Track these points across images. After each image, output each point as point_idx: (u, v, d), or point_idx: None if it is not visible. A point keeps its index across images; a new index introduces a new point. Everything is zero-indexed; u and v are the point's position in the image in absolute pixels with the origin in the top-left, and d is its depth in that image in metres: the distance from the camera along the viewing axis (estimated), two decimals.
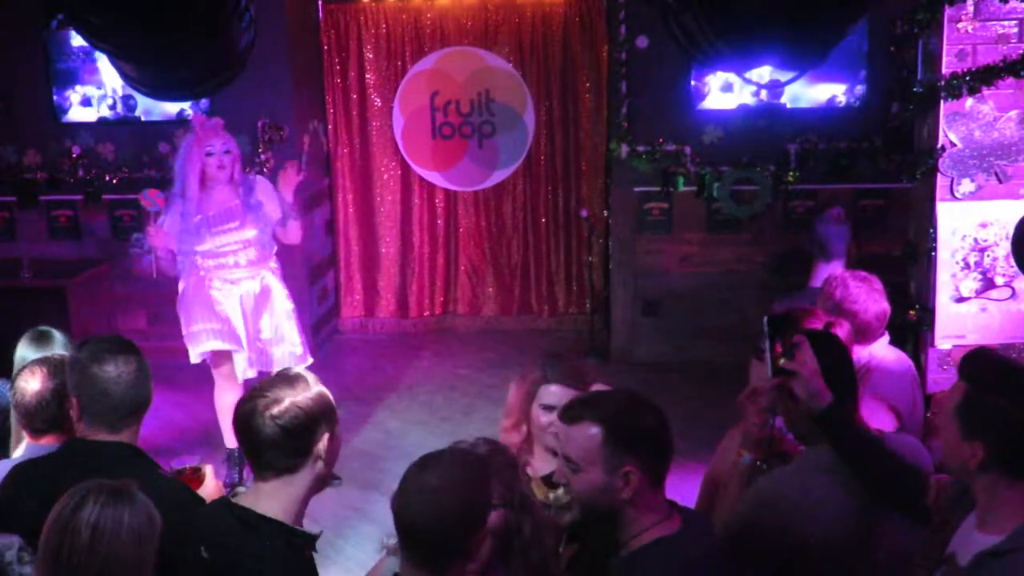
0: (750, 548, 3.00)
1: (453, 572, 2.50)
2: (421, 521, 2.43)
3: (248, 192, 5.89)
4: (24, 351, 4.02)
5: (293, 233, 5.97)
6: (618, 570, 2.67)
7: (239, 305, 5.88)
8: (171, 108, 8.04)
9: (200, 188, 5.78)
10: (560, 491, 3.37)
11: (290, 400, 2.66)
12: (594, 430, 2.61)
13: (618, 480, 2.60)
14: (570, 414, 2.70)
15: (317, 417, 2.69)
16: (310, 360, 5.98)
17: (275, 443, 2.66)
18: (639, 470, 2.60)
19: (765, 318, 2.91)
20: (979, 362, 2.60)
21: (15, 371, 3.65)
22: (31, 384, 3.38)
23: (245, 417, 2.68)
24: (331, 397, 2.78)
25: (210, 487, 3.43)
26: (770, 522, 2.97)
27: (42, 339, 4.06)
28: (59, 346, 3.99)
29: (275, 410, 2.64)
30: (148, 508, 2.52)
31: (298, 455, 2.69)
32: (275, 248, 6.03)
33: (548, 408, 3.45)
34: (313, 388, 2.73)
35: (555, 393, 3.46)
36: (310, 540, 2.75)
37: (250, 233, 5.84)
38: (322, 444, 2.71)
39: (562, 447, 2.69)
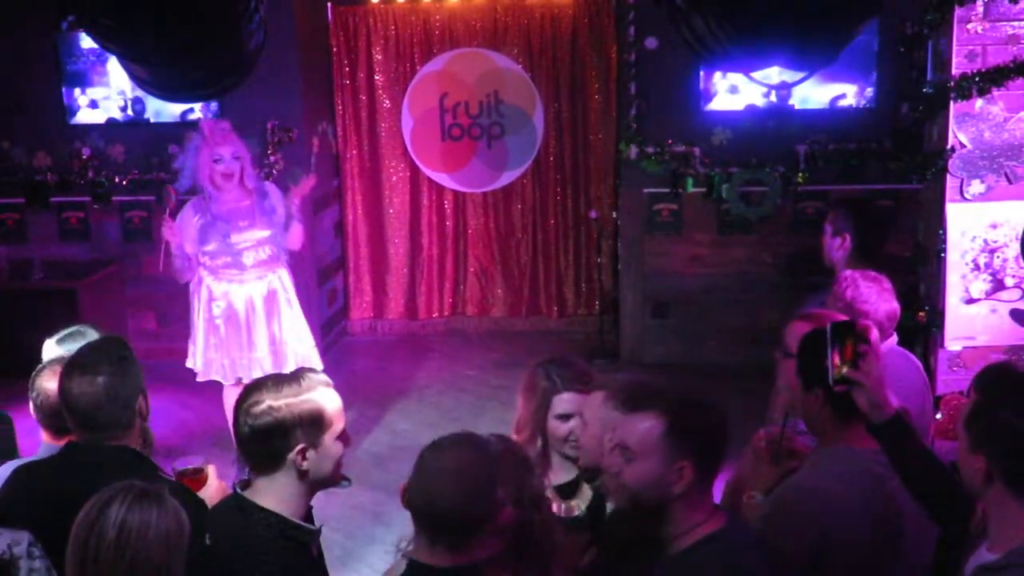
0: (774, 553, 3.00)
1: (475, 552, 2.53)
2: (445, 501, 2.46)
3: (261, 196, 5.89)
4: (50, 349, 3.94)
5: (294, 236, 5.94)
6: (667, 569, 2.66)
7: (242, 309, 5.88)
8: (179, 110, 8.06)
9: (212, 190, 5.79)
10: (575, 501, 3.37)
11: (268, 403, 2.65)
12: (656, 421, 2.61)
13: (672, 474, 2.59)
14: (631, 403, 2.69)
15: (289, 427, 2.66)
16: (320, 367, 5.95)
17: (244, 440, 2.68)
18: (693, 466, 2.60)
19: (830, 325, 2.84)
20: (991, 374, 2.61)
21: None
22: (52, 384, 3.36)
23: (234, 410, 2.72)
24: (324, 409, 2.71)
25: (212, 488, 3.42)
26: (790, 526, 2.97)
27: (68, 338, 3.93)
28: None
29: (252, 408, 2.66)
30: (177, 512, 2.51)
31: (268, 458, 2.68)
32: (285, 255, 6.02)
33: (564, 417, 3.42)
34: (302, 395, 2.68)
35: (569, 401, 3.44)
36: (306, 533, 2.74)
37: (260, 234, 5.84)
38: (295, 454, 2.67)
39: (619, 435, 2.66)
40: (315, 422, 2.69)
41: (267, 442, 2.67)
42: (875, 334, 3.43)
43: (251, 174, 5.91)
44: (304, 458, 2.68)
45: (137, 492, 2.48)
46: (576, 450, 3.34)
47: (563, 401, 3.44)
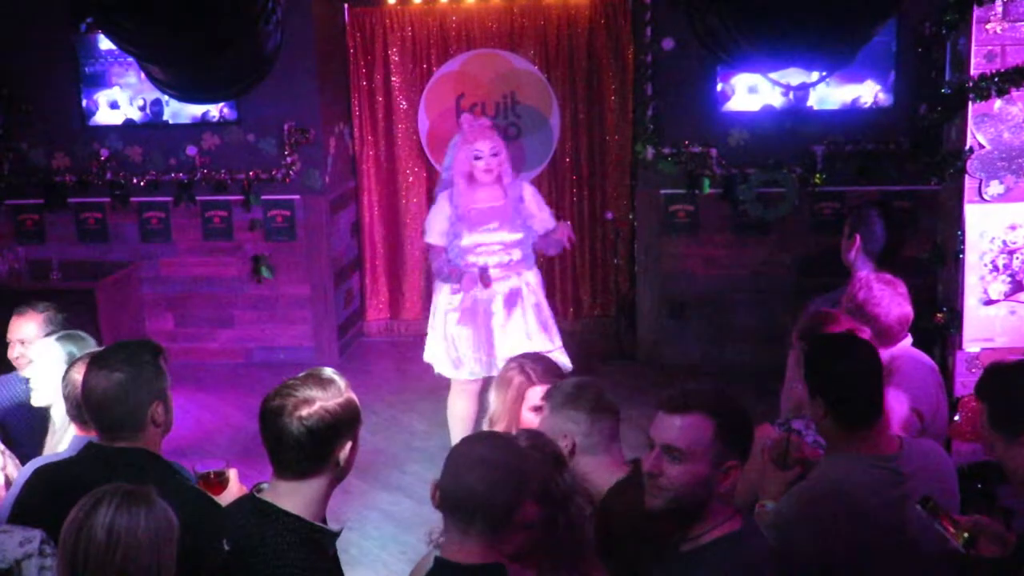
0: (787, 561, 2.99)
1: (504, 546, 2.56)
2: (475, 488, 2.51)
3: (518, 198, 5.84)
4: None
5: (555, 248, 5.99)
6: (682, 563, 2.65)
7: (481, 309, 5.78)
8: (197, 111, 8.09)
9: (467, 187, 5.75)
10: None
11: (320, 404, 2.65)
12: (707, 423, 2.60)
13: (720, 474, 2.61)
14: (677, 403, 2.66)
15: (342, 425, 2.68)
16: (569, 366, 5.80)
17: (298, 444, 2.64)
18: (739, 465, 2.63)
19: (917, 505, 2.91)
20: (988, 377, 2.92)
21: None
22: (80, 375, 3.39)
23: (272, 414, 2.66)
24: (358, 406, 2.78)
25: (233, 492, 3.42)
26: (797, 537, 2.96)
27: (67, 339, 4.08)
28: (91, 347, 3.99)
29: (304, 411, 2.63)
30: (166, 511, 2.52)
31: (318, 459, 2.68)
32: (534, 258, 5.97)
33: (538, 409, 3.52)
34: (344, 395, 2.71)
35: (543, 393, 3.51)
36: (329, 536, 2.75)
37: (510, 236, 5.77)
38: (343, 452, 2.71)
39: (663, 435, 2.65)
40: (357, 419, 2.75)
41: (324, 443, 2.67)
42: (867, 334, 3.47)
43: (509, 172, 5.86)
44: (351, 455, 2.73)
45: (125, 493, 2.49)
46: None
47: (538, 393, 3.56)
